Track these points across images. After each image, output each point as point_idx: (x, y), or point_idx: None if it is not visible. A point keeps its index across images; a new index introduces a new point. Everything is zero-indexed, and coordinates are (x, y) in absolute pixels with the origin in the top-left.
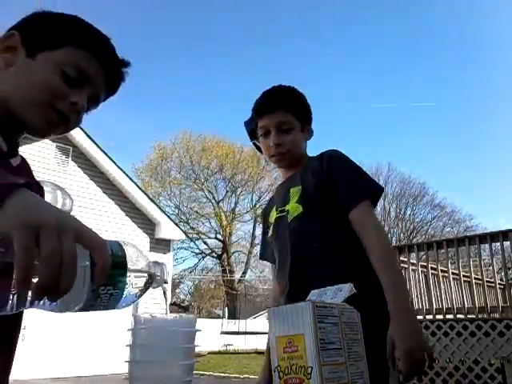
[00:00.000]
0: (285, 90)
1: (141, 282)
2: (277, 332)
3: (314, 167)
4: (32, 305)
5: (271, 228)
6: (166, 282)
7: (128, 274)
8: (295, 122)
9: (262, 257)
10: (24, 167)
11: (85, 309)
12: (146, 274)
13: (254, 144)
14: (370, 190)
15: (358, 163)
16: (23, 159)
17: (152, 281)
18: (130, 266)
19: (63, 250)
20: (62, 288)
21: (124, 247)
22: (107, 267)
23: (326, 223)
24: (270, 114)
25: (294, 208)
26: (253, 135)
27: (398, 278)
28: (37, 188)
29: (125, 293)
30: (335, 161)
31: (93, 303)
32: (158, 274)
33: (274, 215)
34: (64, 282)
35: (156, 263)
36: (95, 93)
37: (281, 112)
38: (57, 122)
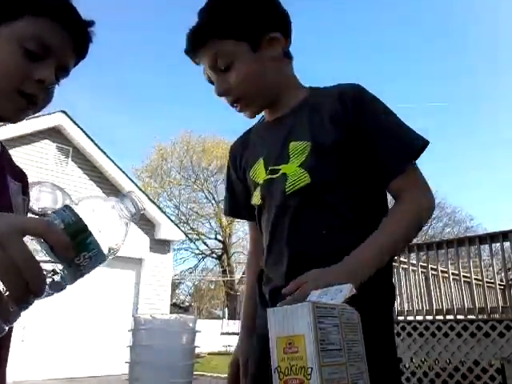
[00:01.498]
0: (210, 12)
1: (114, 221)
2: (277, 332)
3: (332, 110)
4: (19, 314)
5: (257, 192)
6: (142, 209)
7: (93, 229)
8: (236, 45)
9: (231, 212)
10: (3, 155)
11: (75, 280)
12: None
13: None
14: (417, 147)
15: None
16: (3, 146)
17: (125, 215)
18: (89, 222)
19: (15, 257)
20: (36, 292)
21: (74, 207)
22: (65, 245)
23: (344, 205)
24: (200, 50)
25: (295, 174)
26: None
27: (403, 231)
28: (20, 176)
29: (102, 244)
30: (367, 105)
31: (78, 273)
32: (129, 206)
33: (261, 172)
34: (34, 286)
35: (123, 196)
36: (63, 62)
37: (212, 42)
38: (26, 107)
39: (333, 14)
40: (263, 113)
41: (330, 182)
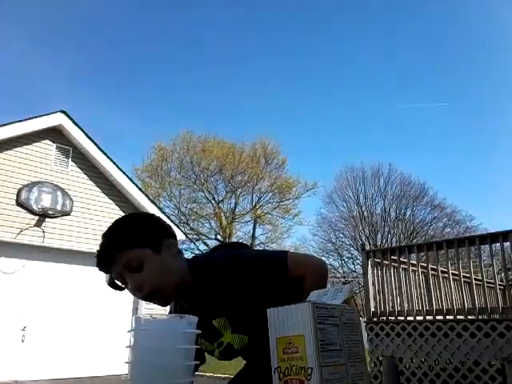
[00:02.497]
0: (111, 236)
1: None
2: (277, 333)
3: (221, 292)
4: None
5: (219, 357)
6: None
7: None
8: (141, 251)
9: None
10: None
11: None
12: None
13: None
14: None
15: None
16: None
17: None
18: None
19: None
20: None
21: None
22: None
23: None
24: (112, 265)
25: (236, 339)
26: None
27: None
28: None
29: None
30: (232, 274)
31: None
32: None
33: (207, 345)
34: None
35: None
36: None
37: (119, 255)
38: None
39: (336, 14)
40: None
41: (256, 325)
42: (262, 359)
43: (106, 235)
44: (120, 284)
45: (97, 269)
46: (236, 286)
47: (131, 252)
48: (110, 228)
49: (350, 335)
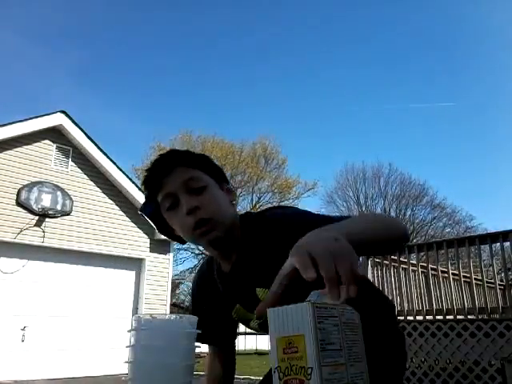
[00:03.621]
0: (179, 149)
1: None
2: (277, 332)
3: (269, 244)
4: None
5: (257, 329)
6: None
7: None
8: (205, 176)
9: (203, 340)
10: None
11: None
12: None
13: (165, 233)
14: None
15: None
16: None
17: None
18: None
19: None
20: None
21: None
22: None
23: None
24: (169, 176)
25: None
26: (162, 223)
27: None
28: None
29: None
30: (294, 227)
31: None
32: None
33: (246, 314)
34: None
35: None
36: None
37: (182, 169)
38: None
39: (340, 13)
40: (217, 258)
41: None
42: None
43: (170, 150)
44: (164, 211)
45: (98, 270)
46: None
47: (196, 171)
48: (177, 149)
49: (350, 335)
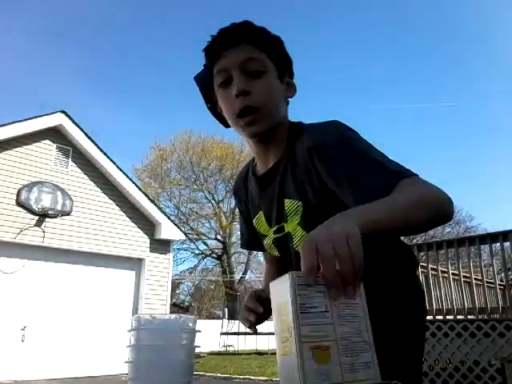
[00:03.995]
0: (252, 23)
1: None
2: (274, 302)
3: (305, 165)
4: None
5: (270, 245)
6: None
7: None
8: (268, 62)
9: (249, 246)
10: None
11: None
12: None
13: (212, 110)
14: (405, 173)
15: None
16: None
17: None
18: None
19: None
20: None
21: None
22: None
23: None
24: (231, 49)
25: (298, 233)
26: (210, 96)
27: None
28: None
29: None
30: (330, 155)
31: None
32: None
33: (264, 227)
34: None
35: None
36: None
37: (247, 46)
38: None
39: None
40: (253, 154)
41: None
42: None
43: (243, 21)
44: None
45: (98, 270)
46: (337, 163)
47: (260, 53)
48: (254, 24)
49: (346, 309)
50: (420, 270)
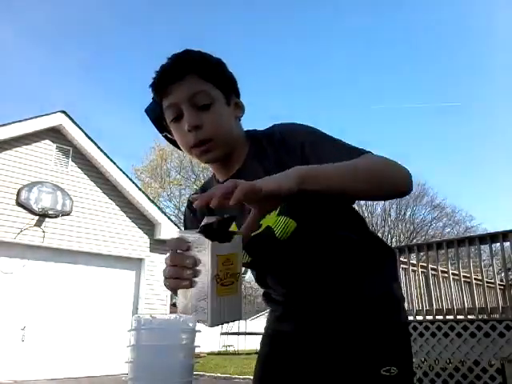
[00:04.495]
0: (193, 52)
1: None
2: (217, 252)
3: (275, 155)
4: None
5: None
6: None
7: None
8: (215, 92)
9: None
10: None
11: None
12: None
13: (167, 138)
14: (361, 150)
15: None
16: None
17: None
18: None
19: None
20: None
21: None
22: None
23: (333, 228)
24: (177, 83)
25: (279, 222)
26: (163, 126)
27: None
28: None
29: None
30: (301, 138)
31: None
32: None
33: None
34: None
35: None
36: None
37: (192, 79)
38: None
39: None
40: (213, 170)
41: (312, 217)
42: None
43: (185, 51)
44: (167, 116)
45: (98, 270)
46: (302, 153)
47: (206, 85)
48: (197, 52)
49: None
50: (420, 270)
